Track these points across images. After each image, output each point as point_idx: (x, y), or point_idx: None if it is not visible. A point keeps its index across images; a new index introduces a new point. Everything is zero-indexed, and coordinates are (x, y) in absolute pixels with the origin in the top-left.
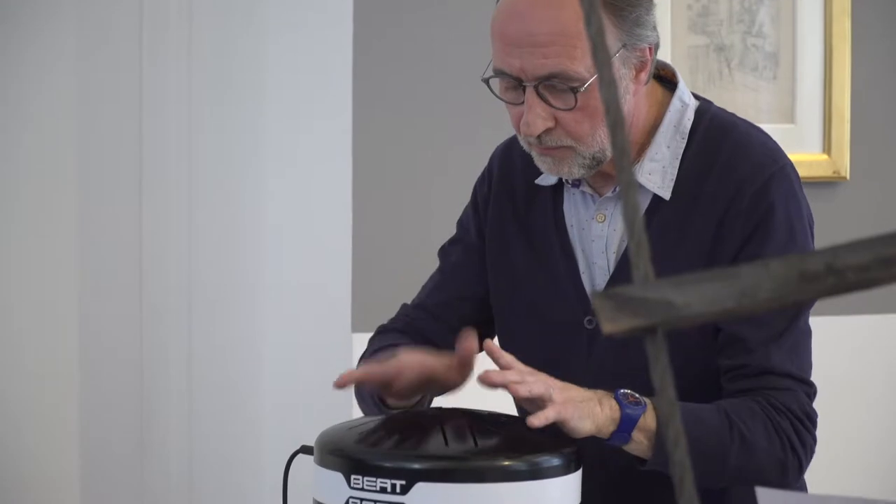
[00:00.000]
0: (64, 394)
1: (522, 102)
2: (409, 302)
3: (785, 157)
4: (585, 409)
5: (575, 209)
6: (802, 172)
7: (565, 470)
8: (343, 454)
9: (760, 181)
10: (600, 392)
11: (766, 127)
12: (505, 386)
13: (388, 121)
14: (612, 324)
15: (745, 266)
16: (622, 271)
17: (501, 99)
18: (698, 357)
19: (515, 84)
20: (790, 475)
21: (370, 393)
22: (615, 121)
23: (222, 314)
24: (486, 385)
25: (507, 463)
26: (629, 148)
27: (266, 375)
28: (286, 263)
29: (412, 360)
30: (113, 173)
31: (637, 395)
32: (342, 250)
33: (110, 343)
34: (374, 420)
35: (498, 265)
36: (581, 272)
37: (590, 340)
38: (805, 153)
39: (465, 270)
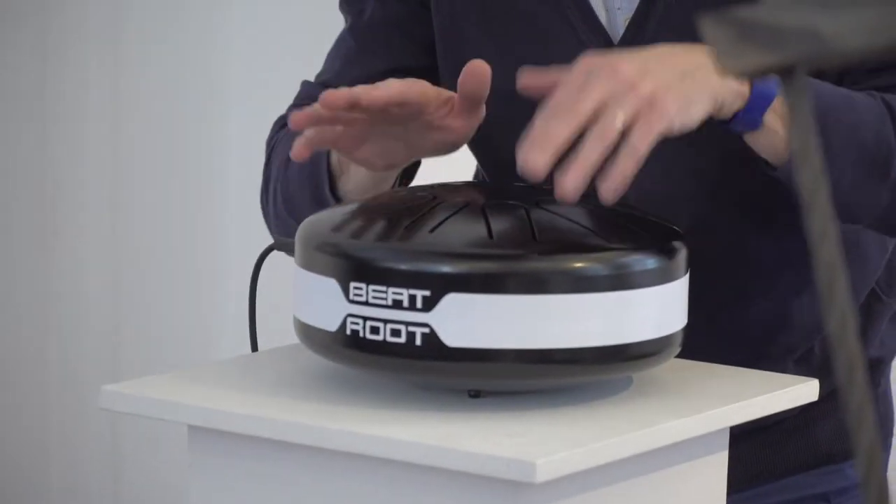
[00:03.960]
0: None
1: None
2: (310, 79)
3: None
4: (689, 87)
5: None
6: None
7: (666, 275)
8: (339, 251)
9: None
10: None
11: None
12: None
13: None
14: (732, 60)
15: None
16: None
17: None
18: None
19: None
20: None
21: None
22: None
23: None
24: (526, 89)
25: (581, 265)
26: None
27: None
28: None
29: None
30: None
31: None
32: None
33: None
34: (383, 200)
35: (455, 8)
36: None
37: None
38: None
39: (391, 30)
